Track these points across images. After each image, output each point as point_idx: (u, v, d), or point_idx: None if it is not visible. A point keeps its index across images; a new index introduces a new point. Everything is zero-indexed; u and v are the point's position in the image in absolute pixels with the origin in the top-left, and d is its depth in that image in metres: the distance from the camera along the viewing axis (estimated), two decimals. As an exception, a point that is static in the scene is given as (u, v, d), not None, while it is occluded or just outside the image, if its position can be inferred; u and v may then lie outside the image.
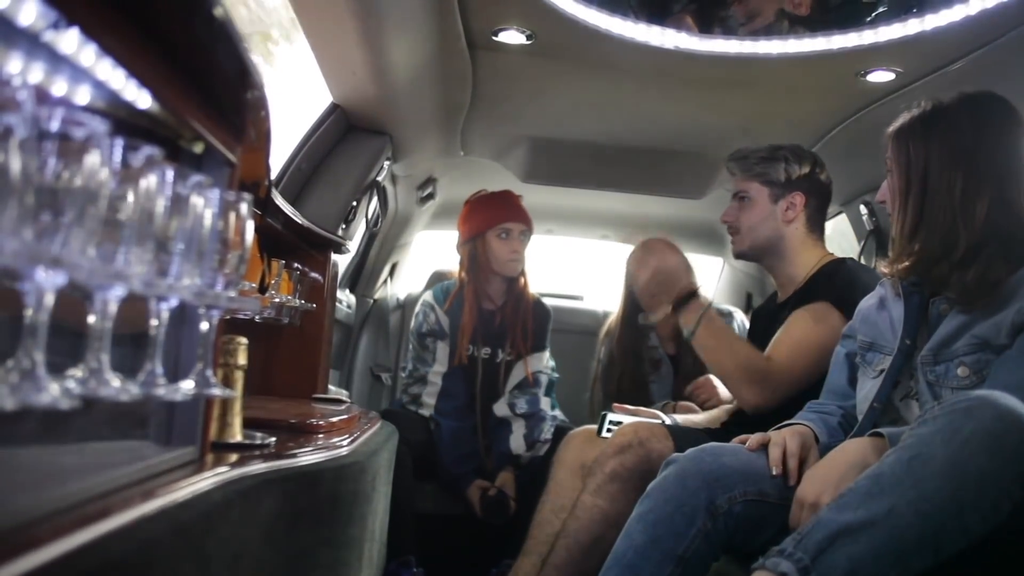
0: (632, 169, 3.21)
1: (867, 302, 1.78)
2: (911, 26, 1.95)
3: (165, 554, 0.71)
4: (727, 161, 2.27)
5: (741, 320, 3.04)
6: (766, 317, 2.29)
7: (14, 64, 0.61)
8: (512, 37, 2.16)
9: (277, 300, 1.79)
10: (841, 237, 3.17)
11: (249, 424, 1.25)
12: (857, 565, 1.19)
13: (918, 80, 2.21)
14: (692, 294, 2.08)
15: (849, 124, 2.58)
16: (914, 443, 1.23)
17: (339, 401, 2.08)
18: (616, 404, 2.33)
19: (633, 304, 2.92)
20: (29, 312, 0.56)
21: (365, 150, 2.59)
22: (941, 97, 1.61)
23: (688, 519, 1.49)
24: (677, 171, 3.21)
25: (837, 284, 2.04)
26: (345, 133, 2.55)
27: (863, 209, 2.91)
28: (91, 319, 0.65)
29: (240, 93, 0.94)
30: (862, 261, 2.92)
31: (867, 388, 1.65)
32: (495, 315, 2.90)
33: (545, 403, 2.87)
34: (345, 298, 3.15)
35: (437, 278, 3.69)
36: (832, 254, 2.22)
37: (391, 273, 3.82)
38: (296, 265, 1.89)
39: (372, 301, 3.61)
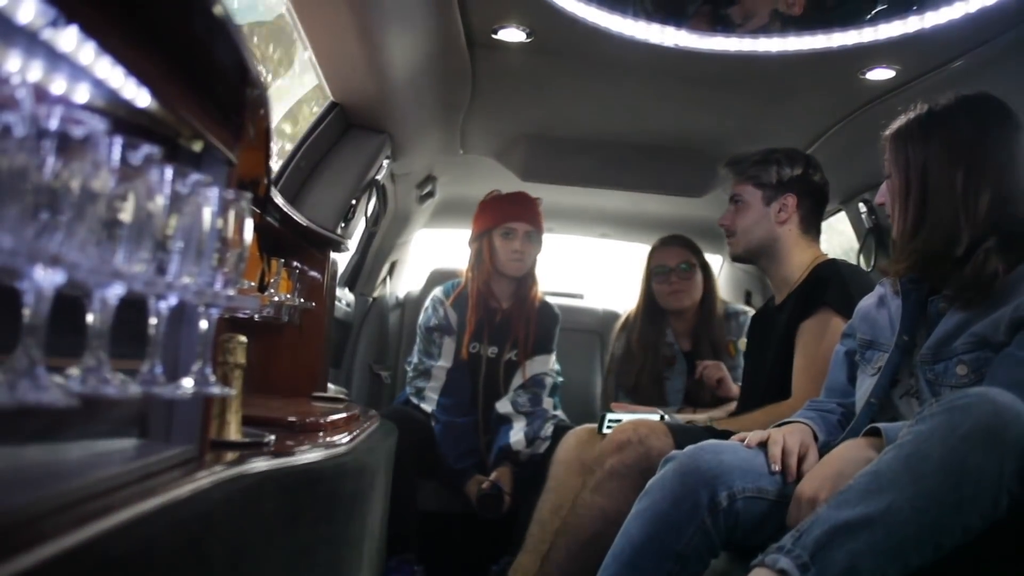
0: (632, 167, 3.21)
1: (867, 301, 1.78)
2: (911, 24, 1.95)
3: (164, 552, 0.71)
4: (723, 166, 2.32)
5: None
6: (762, 321, 2.32)
7: (13, 62, 0.61)
8: (512, 35, 2.16)
9: (276, 299, 1.79)
10: (840, 235, 3.18)
11: (248, 422, 1.25)
12: (856, 562, 1.19)
13: (918, 78, 2.21)
14: None
15: (848, 122, 2.58)
16: (912, 440, 1.24)
17: (338, 399, 2.08)
18: (614, 403, 2.35)
19: (651, 299, 2.93)
20: (27, 310, 0.56)
21: (364, 148, 2.58)
22: (938, 98, 1.61)
23: (687, 516, 1.49)
24: (677, 169, 3.21)
25: (833, 287, 2.07)
26: (344, 131, 2.55)
27: (862, 207, 2.91)
28: (90, 317, 0.65)
29: (239, 91, 0.94)
30: (862, 259, 2.93)
31: (865, 385, 1.66)
32: (502, 314, 2.91)
33: (548, 403, 2.88)
34: (344, 296, 3.15)
35: (437, 276, 3.69)
36: (825, 255, 2.24)
37: (390, 271, 3.82)
38: (295, 263, 1.89)
39: (371, 299, 3.61)
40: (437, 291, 2.98)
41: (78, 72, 0.70)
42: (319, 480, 1.25)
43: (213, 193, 0.80)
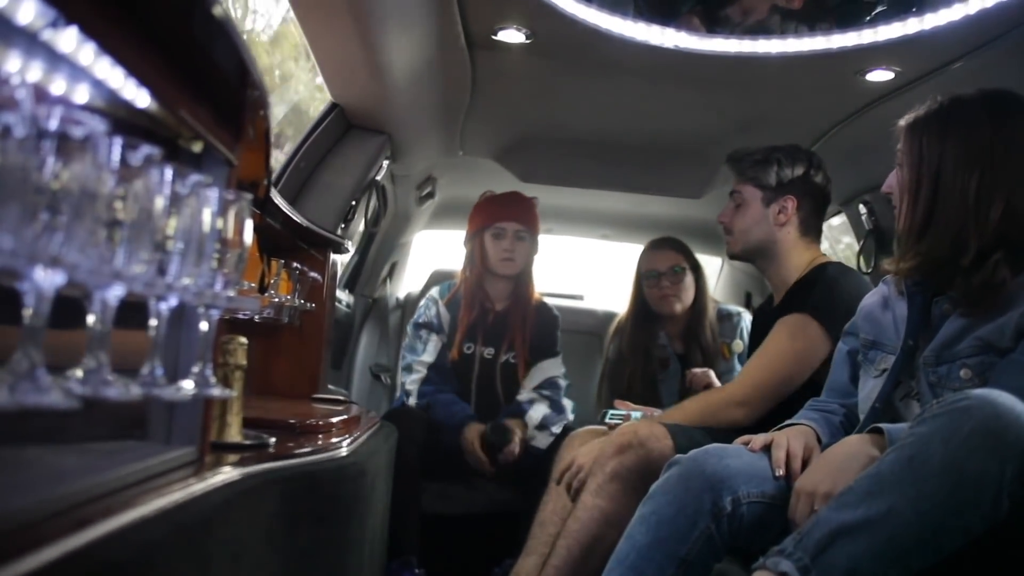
0: (631, 169, 3.21)
1: (870, 299, 1.76)
2: (910, 25, 1.95)
3: (165, 554, 0.71)
4: (725, 162, 2.29)
5: (748, 322, 3.03)
6: (763, 321, 2.30)
7: (13, 63, 0.61)
8: (512, 36, 2.16)
9: (276, 300, 1.79)
10: (840, 236, 3.18)
11: (249, 424, 1.25)
12: (857, 564, 1.19)
13: (917, 80, 2.21)
14: None
15: (848, 123, 2.58)
16: (914, 442, 1.23)
17: (339, 401, 2.08)
18: (618, 400, 2.34)
19: (642, 302, 2.93)
20: (28, 312, 0.56)
21: (364, 149, 2.58)
22: (960, 93, 1.57)
23: (691, 521, 1.48)
24: (676, 171, 3.21)
25: (815, 294, 2.05)
26: (344, 132, 2.55)
27: (862, 208, 2.91)
28: (90, 319, 0.64)
29: (239, 92, 0.93)
30: (862, 260, 2.93)
31: (868, 387, 1.65)
32: (497, 315, 2.90)
33: (567, 404, 2.90)
34: (344, 297, 3.15)
35: (437, 277, 3.69)
36: (824, 255, 2.22)
37: (390, 272, 3.82)
38: (295, 264, 1.89)
39: (371, 300, 3.61)
40: (433, 290, 2.98)
41: (78, 73, 0.70)
42: (320, 482, 1.25)
43: (213, 194, 0.80)
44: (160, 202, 0.70)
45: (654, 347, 2.93)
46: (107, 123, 0.59)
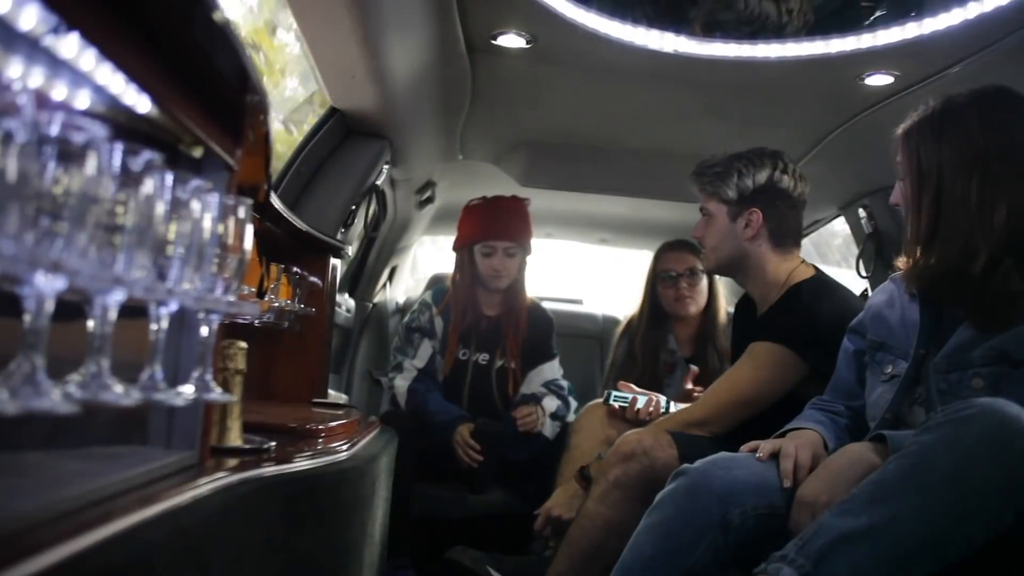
0: (631, 173, 3.21)
1: (876, 298, 1.73)
2: (909, 30, 1.95)
3: (166, 558, 0.71)
4: (690, 175, 2.19)
5: None
6: (742, 323, 2.27)
7: (14, 68, 0.61)
8: (511, 41, 2.16)
9: (276, 304, 1.79)
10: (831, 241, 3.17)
11: (249, 428, 1.25)
12: (859, 572, 1.18)
13: (917, 84, 2.21)
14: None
15: (848, 127, 2.58)
16: (917, 450, 1.23)
17: (338, 405, 2.08)
18: (621, 383, 2.34)
19: (655, 303, 2.92)
20: (29, 317, 0.56)
21: (364, 154, 2.59)
22: (951, 96, 1.55)
23: (699, 533, 1.47)
24: (676, 175, 3.19)
25: (789, 322, 1.98)
26: (344, 137, 2.55)
27: (862, 212, 2.91)
28: (90, 324, 0.65)
29: (239, 97, 0.94)
30: (861, 265, 2.92)
31: (877, 393, 1.62)
32: (489, 321, 2.90)
33: (572, 404, 2.90)
34: (344, 302, 3.15)
35: (436, 281, 3.69)
36: (804, 264, 2.13)
37: (390, 277, 3.82)
38: (295, 269, 1.89)
39: (371, 305, 3.61)
40: (427, 295, 2.97)
41: (79, 78, 0.70)
42: (319, 487, 1.25)
43: (213, 199, 0.80)
44: (160, 207, 0.70)
45: (663, 350, 2.93)
46: (108, 129, 0.59)
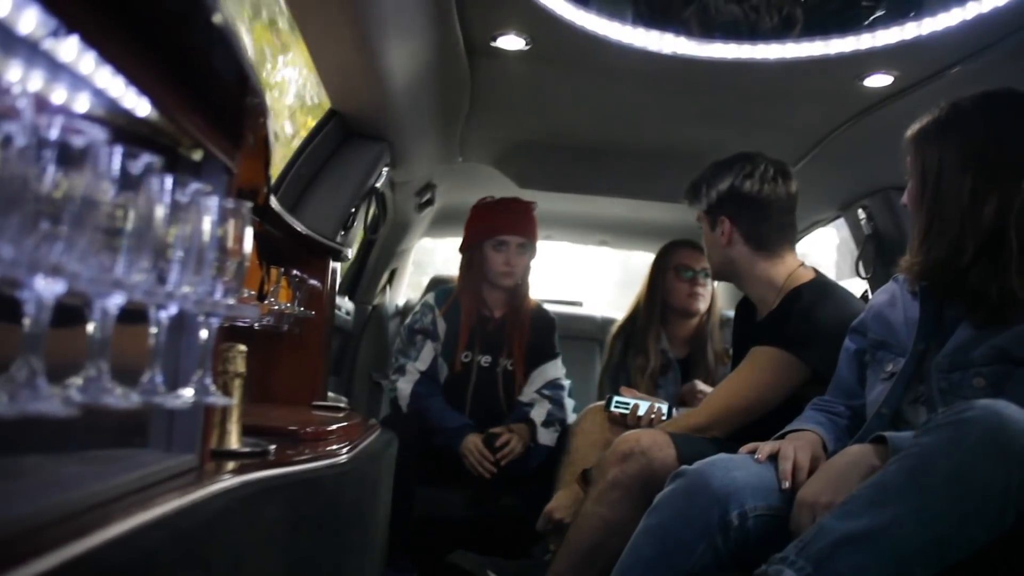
0: (630, 175, 3.21)
1: (878, 298, 1.74)
2: (909, 31, 1.95)
3: (165, 562, 0.71)
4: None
5: None
6: (742, 329, 2.28)
7: (14, 72, 0.61)
8: (510, 43, 2.16)
9: (276, 307, 1.79)
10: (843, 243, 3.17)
11: (248, 432, 1.25)
12: (860, 573, 1.18)
13: (916, 84, 2.21)
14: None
15: (847, 128, 2.58)
16: (918, 452, 1.23)
17: (338, 408, 2.08)
18: (624, 388, 2.34)
19: (658, 299, 2.92)
20: (29, 320, 0.56)
21: (364, 156, 2.59)
22: (961, 98, 1.57)
23: (698, 535, 1.47)
24: (675, 177, 3.19)
25: (789, 327, 1.99)
26: (344, 139, 2.55)
27: (861, 213, 2.91)
28: (90, 327, 0.65)
29: (239, 100, 0.94)
30: (861, 266, 2.92)
31: (876, 391, 1.63)
32: (495, 323, 2.90)
33: (569, 405, 2.91)
34: (344, 305, 3.15)
35: (437, 283, 3.69)
36: (802, 267, 2.13)
37: (390, 280, 3.82)
38: (295, 272, 1.89)
39: (371, 308, 3.61)
40: (429, 297, 2.97)
41: (78, 82, 0.70)
42: (320, 489, 1.25)
43: (213, 202, 0.80)
44: (160, 211, 0.70)
45: (655, 349, 2.92)
46: (107, 132, 0.59)
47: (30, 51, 0.62)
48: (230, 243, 0.84)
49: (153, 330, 0.75)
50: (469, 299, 2.88)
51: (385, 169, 2.73)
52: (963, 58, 2.03)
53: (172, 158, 0.94)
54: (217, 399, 0.86)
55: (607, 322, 3.98)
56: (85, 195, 0.57)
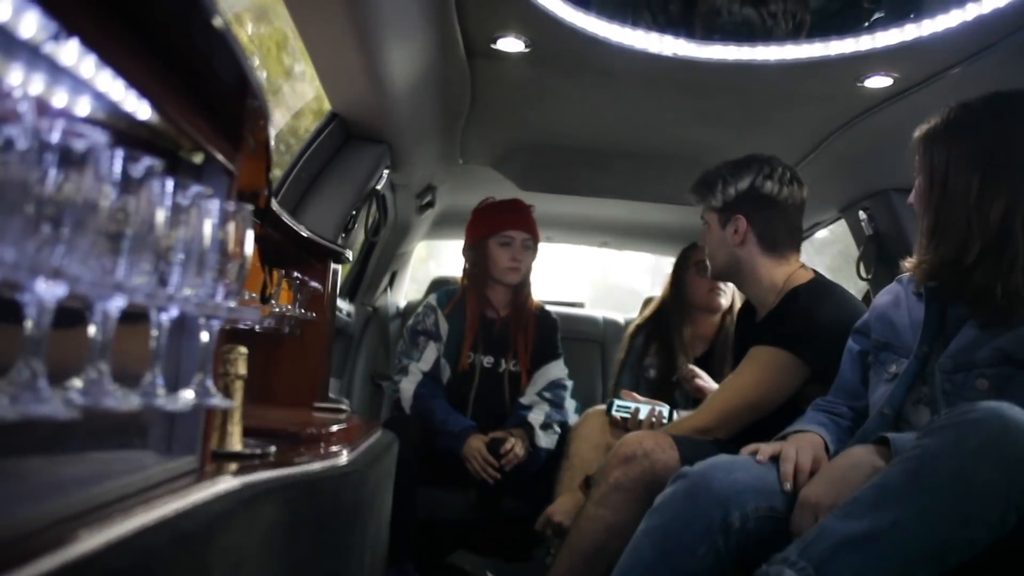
0: (631, 176, 3.21)
1: (882, 299, 1.74)
2: (908, 32, 1.95)
3: (166, 564, 0.71)
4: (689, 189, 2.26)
5: None
6: (743, 330, 2.28)
7: (15, 75, 0.61)
8: (511, 45, 2.16)
9: (277, 310, 1.79)
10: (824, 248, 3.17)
11: (249, 433, 1.25)
12: (861, 575, 1.18)
13: (916, 86, 2.21)
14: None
15: (847, 130, 2.58)
16: (920, 454, 1.23)
17: (339, 410, 2.08)
18: (624, 392, 2.35)
19: (681, 296, 2.92)
20: (29, 323, 0.56)
21: (364, 159, 2.59)
22: (970, 98, 1.57)
23: (699, 537, 1.47)
24: (675, 178, 3.20)
25: (787, 326, 2.00)
26: (344, 142, 2.55)
27: (862, 215, 2.91)
28: (91, 330, 0.65)
29: (239, 103, 0.94)
30: (861, 267, 2.92)
31: (879, 392, 1.62)
32: (499, 323, 2.90)
33: (570, 405, 2.91)
34: (345, 307, 3.15)
35: (437, 285, 3.69)
36: (802, 268, 2.14)
37: (391, 281, 3.82)
38: (296, 274, 1.89)
39: (372, 309, 3.61)
40: (432, 298, 2.97)
41: (79, 85, 0.70)
42: (321, 491, 1.25)
43: (214, 205, 0.81)
44: (161, 214, 0.70)
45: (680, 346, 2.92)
46: (108, 135, 0.59)
47: (31, 55, 0.62)
48: (231, 246, 0.84)
49: (154, 332, 0.75)
50: (474, 299, 2.88)
51: (386, 171, 2.73)
52: (963, 59, 2.03)
53: (173, 161, 0.94)
54: (218, 401, 0.87)
55: (609, 323, 3.99)
56: (86, 198, 0.58)
